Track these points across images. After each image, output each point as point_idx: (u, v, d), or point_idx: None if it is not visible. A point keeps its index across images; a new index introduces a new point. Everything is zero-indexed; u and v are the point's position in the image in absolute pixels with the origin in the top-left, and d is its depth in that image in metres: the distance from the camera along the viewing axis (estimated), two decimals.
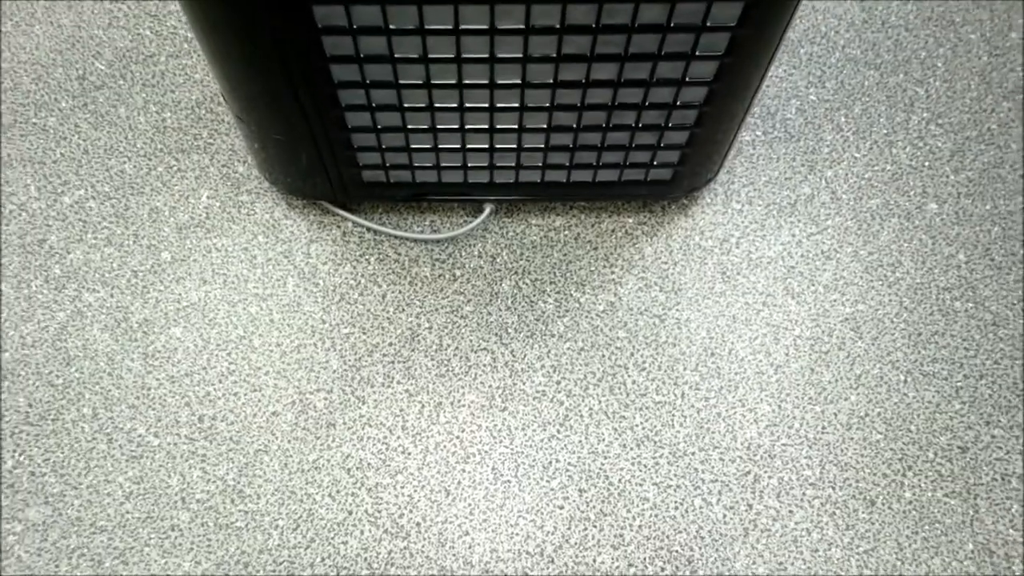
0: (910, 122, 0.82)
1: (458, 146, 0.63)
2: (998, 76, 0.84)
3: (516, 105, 0.58)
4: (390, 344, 0.72)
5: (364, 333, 0.72)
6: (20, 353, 0.70)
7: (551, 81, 0.56)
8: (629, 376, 0.71)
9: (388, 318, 0.72)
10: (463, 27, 0.50)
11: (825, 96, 0.82)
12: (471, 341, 0.72)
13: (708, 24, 0.51)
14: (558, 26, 0.51)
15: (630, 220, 0.77)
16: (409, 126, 0.61)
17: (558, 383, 0.71)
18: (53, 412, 0.69)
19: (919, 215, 0.78)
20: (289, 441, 0.68)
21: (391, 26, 0.50)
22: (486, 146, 0.63)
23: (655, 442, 0.69)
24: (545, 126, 0.61)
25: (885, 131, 0.81)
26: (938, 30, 0.86)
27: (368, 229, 0.75)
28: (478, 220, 0.74)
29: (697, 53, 0.54)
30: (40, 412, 0.69)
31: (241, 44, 0.53)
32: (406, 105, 0.58)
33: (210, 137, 0.78)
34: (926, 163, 0.80)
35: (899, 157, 0.80)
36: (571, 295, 0.74)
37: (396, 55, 0.53)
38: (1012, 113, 0.82)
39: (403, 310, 0.73)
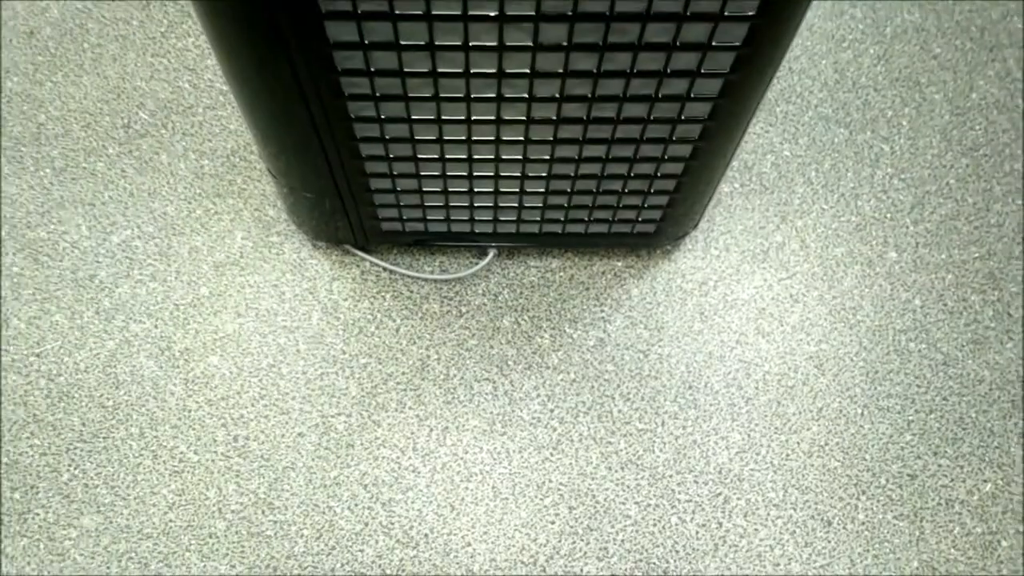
0: (875, 176, 0.90)
1: (466, 204, 0.72)
2: (958, 134, 0.93)
3: (518, 175, 0.67)
4: (403, 373, 0.80)
5: (380, 363, 0.81)
6: (74, 378, 0.79)
7: (548, 157, 0.64)
8: (615, 405, 0.80)
9: (401, 350, 0.81)
10: (474, 118, 0.59)
11: (798, 152, 0.91)
12: (475, 372, 0.81)
13: (691, 96, 0.60)
14: (554, 117, 0.59)
15: (619, 263, 0.85)
16: (424, 189, 0.69)
17: (552, 411, 0.80)
18: (104, 431, 0.77)
19: (880, 263, 0.86)
20: (313, 459, 0.77)
21: (413, 117, 0.59)
22: (491, 204, 0.72)
23: (637, 465, 0.78)
24: (543, 190, 0.70)
25: (852, 184, 0.90)
26: (904, 90, 0.94)
27: (384, 269, 0.84)
28: (483, 263, 0.82)
29: (674, 138, 0.62)
30: (92, 431, 0.77)
31: (278, 119, 0.62)
32: (423, 173, 0.67)
33: (244, 183, 0.87)
34: (888, 215, 0.88)
35: (863, 209, 0.89)
36: (565, 331, 0.83)
37: (416, 137, 0.62)
38: (969, 169, 0.91)
39: (414, 343, 0.81)
